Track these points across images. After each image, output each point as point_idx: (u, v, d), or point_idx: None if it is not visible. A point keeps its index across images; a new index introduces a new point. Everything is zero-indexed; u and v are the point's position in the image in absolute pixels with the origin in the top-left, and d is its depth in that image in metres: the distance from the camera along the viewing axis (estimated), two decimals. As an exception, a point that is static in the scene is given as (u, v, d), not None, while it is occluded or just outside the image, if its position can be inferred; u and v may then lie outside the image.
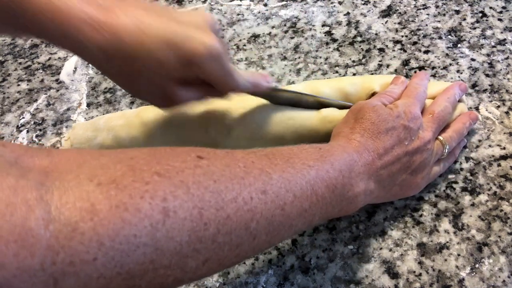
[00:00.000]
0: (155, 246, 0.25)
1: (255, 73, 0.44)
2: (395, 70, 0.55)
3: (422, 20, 0.60)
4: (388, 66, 0.56)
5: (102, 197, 0.24)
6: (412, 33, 0.59)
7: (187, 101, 0.41)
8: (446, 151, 0.44)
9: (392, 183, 0.40)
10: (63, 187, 0.23)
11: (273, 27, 0.62)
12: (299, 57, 0.58)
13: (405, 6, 0.63)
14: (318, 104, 0.47)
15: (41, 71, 0.62)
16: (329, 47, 0.59)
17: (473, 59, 0.55)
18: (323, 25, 0.62)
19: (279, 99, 0.47)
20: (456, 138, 0.45)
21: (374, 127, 0.40)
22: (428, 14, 0.61)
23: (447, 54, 0.56)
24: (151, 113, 0.48)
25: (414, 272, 0.40)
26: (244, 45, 0.61)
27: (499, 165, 0.46)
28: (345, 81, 0.49)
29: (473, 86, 0.52)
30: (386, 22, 0.61)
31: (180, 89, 0.39)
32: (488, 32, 0.58)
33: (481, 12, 0.60)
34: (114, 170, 0.25)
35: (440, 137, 0.44)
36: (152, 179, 0.26)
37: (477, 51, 0.56)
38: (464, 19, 0.60)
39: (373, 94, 0.47)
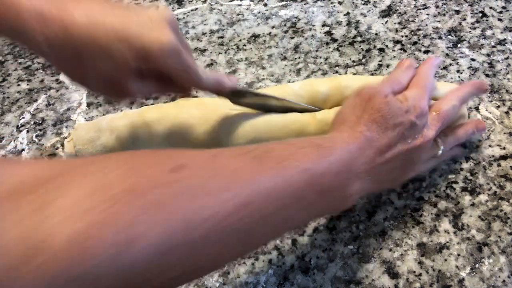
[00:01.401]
0: (120, 274, 0.23)
1: (219, 72, 0.44)
2: (395, 70, 0.55)
3: (422, 20, 0.60)
4: (388, 66, 0.56)
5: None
6: (412, 33, 0.59)
7: (142, 93, 0.41)
8: (440, 153, 0.43)
9: (388, 178, 0.40)
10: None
11: (273, 27, 0.62)
12: (299, 57, 0.58)
13: (405, 6, 0.63)
14: (283, 107, 0.47)
15: (41, 71, 0.62)
16: (329, 47, 0.59)
17: (473, 59, 0.55)
18: (323, 25, 0.62)
19: (244, 101, 0.46)
20: (452, 143, 0.44)
21: (383, 120, 0.38)
22: (428, 14, 0.61)
23: (447, 54, 0.56)
24: (153, 113, 0.48)
25: (414, 272, 0.40)
26: (244, 45, 0.61)
27: (499, 165, 0.46)
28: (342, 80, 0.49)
29: (473, 86, 0.52)
30: (386, 22, 0.61)
31: (135, 82, 0.39)
32: (488, 32, 0.58)
33: (481, 12, 0.60)
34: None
35: (438, 138, 0.43)
36: (122, 197, 0.24)
37: (477, 51, 0.56)
38: (464, 19, 0.60)
39: None
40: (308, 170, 0.33)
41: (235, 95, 0.46)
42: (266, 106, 0.47)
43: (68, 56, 0.36)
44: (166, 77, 0.39)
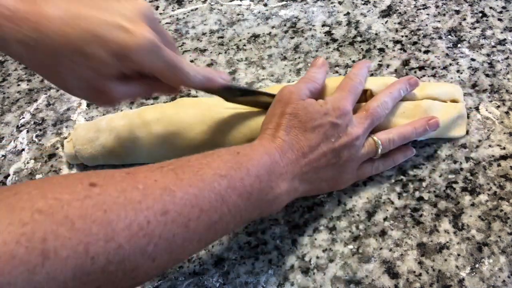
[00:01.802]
0: None
1: (208, 68, 0.42)
2: (395, 70, 0.55)
3: (422, 20, 0.60)
4: (388, 66, 0.56)
5: None
6: (412, 33, 0.59)
7: (127, 97, 0.40)
8: (379, 151, 0.43)
9: (319, 179, 0.41)
10: None
11: (273, 27, 0.62)
12: (299, 57, 0.58)
13: (405, 6, 0.63)
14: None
15: (41, 71, 0.62)
16: (329, 47, 0.59)
17: (473, 59, 0.55)
18: (323, 25, 0.62)
19: (236, 98, 0.46)
20: (397, 141, 0.44)
21: (301, 124, 0.39)
22: (428, 14, 0.61)
23: (447, 54, 0.56)
24: (153, 113, 0.48)
25: (414, 272, 0.40)
26: (244, 45, 0.61)
27: (499, 165, 0.46)
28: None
29: (473, 86, 0.52)
30: (386, 22, 0.61)
31: (116, 85, 0.37)
32: (488, 32, 0.58)
33: (481, 12, 0.60)
34: None
35: (374, 137, 0.43)
36: (31, 219, 0.25)
37: (477, 51, 0.56)
38: (464, 19, 0.60)
39: (367, 92, 0.47)
40: (227, 176, 0.33)
41: (227, 92, 0.44)
42: (259, 103, 0.46)
43: (42, 57, 0.35)
44: (151, 77, 0.38)
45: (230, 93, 0.45)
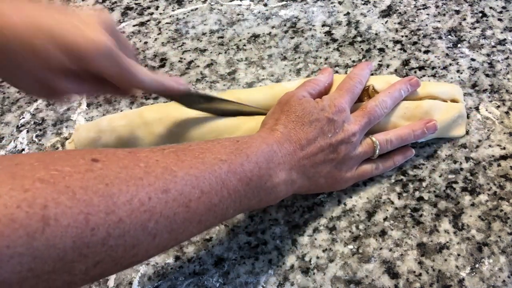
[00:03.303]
0: (33, 255, 0.24)
1: (165, 75, 0.43)
2: (395, 70, 0.55)
3: (422, 20, 0.60)
4: (388, 66, 0.56)
5: None
6: (412, 33, 0.59)
7: (75, 93, 0.40)
8: (377, 151, 0.44)
9: (317, 174, 0.41)
10: None
11: (273, 27, 0.62)
12: (299, 57, 0.58)
13: (405, 6, 0.63)
14: (238, 111, 0.47)
15: (41, 71, 0.62)
16: (329, 47, 0.59)
17: (473, 59, 0.55)
18: (323, 25, 0.62)
19: (197, 105, 0.46)
20: (395, 143, 0.45)
21: (298, 119, 0.40)
22: (428, 14, 0.61)
23: (447, 54, 0.56)
24: (153, 113, 0.49)
25: (414, 272, 0.40)
26: (244, 45, 0.61)
27: (499, 165, 0.46)
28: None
29: (473, 86, 0.52)
30: (386, 22, 0.61)
31: (64, 81, 0.37)
32: (488, 32, 0.58)
33: (481, 12, 0.60)
34: None
35: (372, 137, 0.44)
36: (33, 186, 0.25)
37: (477, 51, 0.56)
38: (464, 19, 0.60)
39: (368, 88, 0.47)
40: (226, 161, 0.34)
41: (187, 99, 0.45)
42: (219, 110, 0.47)
43: None
44: (101, 78, 0.38)
45: (190, 99, 0.45)
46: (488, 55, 0.55)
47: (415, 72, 0.55)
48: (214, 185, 0.33)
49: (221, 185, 0.33)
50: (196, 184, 0.32)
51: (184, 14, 0.66)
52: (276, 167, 0.37)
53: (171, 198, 0.30)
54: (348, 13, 0.63)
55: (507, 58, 0.55)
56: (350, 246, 0.42)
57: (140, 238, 0.29)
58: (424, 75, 0.54)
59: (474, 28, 0.58)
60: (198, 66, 0.59)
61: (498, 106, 0.50)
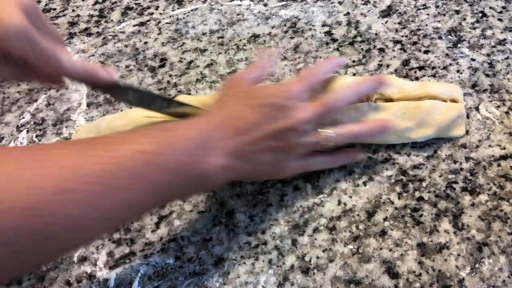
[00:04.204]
0: None
1: (93, 63, 0.41)
2: (395, 70, 0.55)
3: (422, 20, 0.60)
4: (388, 66, 0.56)
5: None
6: (412, 33, 0.59)
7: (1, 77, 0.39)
8: (329, 144, 0.43)
9: (260, 160, 0.40)
10: None
11: (273, 27, 0.62)
12: (299, 57, 0.58)
13: (405, 6, 0.63)
14: (172, 109, 0.45)
15: (41, 71, 0.62)
16: (329, 47, 0.59)
17: (473, 59, 0.55)
18: (323, 25, 0.62)
19: (126, 97, 0.45)
20: (348, 137, 0.44)
21: (240, 102, 0.39)
22: (428, 14, 0.61)
23: (447, 54, 0.56)
24: (153, 113, 0.48)
25: (414, 272, 0.40)
26: (244, 45, 0.61)
27: (499, 165, 0.46)
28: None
29: (473, 86, 0.52)
30: (386, 22, 0.61)
31: None
32: (488, 32, 0.58)
33: (481, 12, 0.60)
34: None
35: (324, 129, 0.42)
36: None
37: (477, 51, 0.56)
38: (464, 19, 0.60)
39: None
40: (144, 152, 0.33)
41: (115, 90, 0.43)
42: (148, 105, 0.45)
43: None
44: (21, 62, 0.37)
45: (119, 92, 0.44)
46: (488, 55, 0.55)
47: (415, 72, 0.55)
48: (125, 180, 0.32)
49: (135, 178, 0.32)
50: (103, 181, 0.31)
51: (184, 14, 0.66)
52: (209, 154, 0.36)
53: (71, 198, 0.29)
54: (348, 13, 0.63)
55: (507, 58, 0.55)
56: (350, 246, 0.42)
57: (36, 241, 0.28)
58: (424, 75, 0.54)
59: (474, 28, 0.58)
60: (198, 66, 0.59)
61: (498, 106, 0.50)
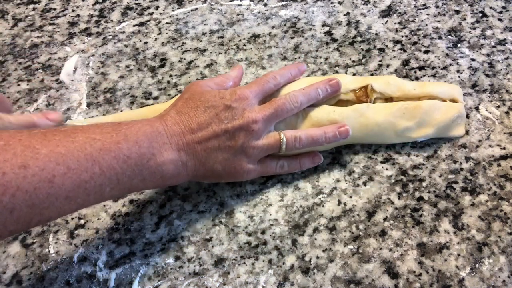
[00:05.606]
0: None
1: (35, 114, 0.43)
2: (395, 70, 0.55)
3: (422, 20, 0.60)
4: (388, 66, 0.56)
5: None
6: (412, 33, 0.59)
7: None
8: (284, 147, 0.43)
9: (212, 160, 0.42)
10: None
11: (273, 27, 0.62)
12: (299, 57, 0.58)
13: (405, 6, 0.63)
14: None
15: (41, 71, 0.62)
16: (329, 47, 0.59)
17: (473, 59, 0.55)
18: (323, 25, 0.62)
19: None
20: (304, 141, 0.44)
21: (192, 104, 0.42)
22: (428, 14, 0.61)
23: (447, 54, 0.56)
24: (153, 112, 0.48)
25: (414, 272, 0.40)
26: (244, 45, 0.61)
27: (499, 165, 0.46)
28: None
29: (473, 86, 0.52)
30: (386, 22, 0.61)
31: None
32: (488, 32, 0.58)
33: (481, 12, 0.60)
34: None
35: (280, 132, 0.44)
36: None
37: (477, 51, 0.56)
38: (464, 19, 0.60)
39: (367, 87, 0.47)
40: (101, 139, 0.35)
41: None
42: None
43: None
44: None
45: None
46: (488, 55, 0.55)
47: (415, 72, 0.55)
48: (83, 162, 0.34)
49: (91, 162, 0.34)
50: (61, 160, 0.33)
51: (184, 14, 0.66)
52: (161, 147, 0.39)
53: (31, 173, 0.31)
54: (348, 13, 0.63)
55: (507, 58, 0.55)
56: (350, 246, 0.42)
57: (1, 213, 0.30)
58: (424, 75, 0.54)
59: (474, 28, 0.58)
60: (198, 66, 0.59)
61: (498, 106, 0.50)
